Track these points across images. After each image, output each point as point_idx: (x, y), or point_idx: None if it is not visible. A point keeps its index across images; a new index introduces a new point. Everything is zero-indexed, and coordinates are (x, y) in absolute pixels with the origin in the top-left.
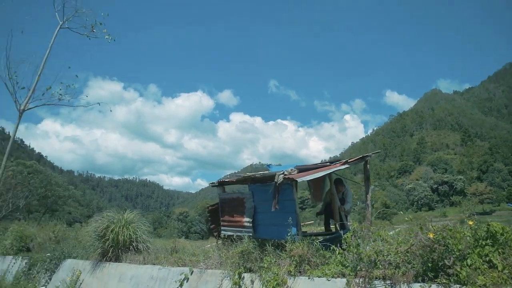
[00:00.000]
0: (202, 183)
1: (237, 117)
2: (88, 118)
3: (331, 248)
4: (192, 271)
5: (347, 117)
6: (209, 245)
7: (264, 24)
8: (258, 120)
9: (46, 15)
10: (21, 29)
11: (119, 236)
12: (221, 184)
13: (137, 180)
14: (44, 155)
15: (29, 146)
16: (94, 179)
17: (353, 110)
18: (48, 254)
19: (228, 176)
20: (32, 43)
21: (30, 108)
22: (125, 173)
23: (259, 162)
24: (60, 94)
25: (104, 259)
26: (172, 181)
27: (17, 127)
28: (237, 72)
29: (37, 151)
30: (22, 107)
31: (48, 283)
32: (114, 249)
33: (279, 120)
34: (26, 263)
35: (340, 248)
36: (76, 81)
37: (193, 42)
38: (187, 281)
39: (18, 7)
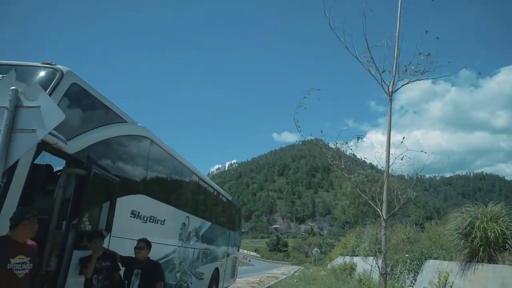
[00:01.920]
0: None
1: None
2: (405, 122)
3: None
4: None
5: None
6: None
7: None
8: None
9: None
10: (369, 9)
11: (488, 233)
12: None
13: (471, 174)
14: (374, 164)
15: (361, 159)
16: (425, 180)
17: None
18: (407, 255)
19: None
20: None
21: (397, 89)
22: (456, 169)
23: None
24: (418, 67)
25: (475, 260)
26: None
27: (390, 109)
28: None
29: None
30: (390, 89)
31: (413, 283)
32: (485, 249)
33: None
34: (387, 264)
35: None
36: (438, 45)
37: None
38: None
39: None
